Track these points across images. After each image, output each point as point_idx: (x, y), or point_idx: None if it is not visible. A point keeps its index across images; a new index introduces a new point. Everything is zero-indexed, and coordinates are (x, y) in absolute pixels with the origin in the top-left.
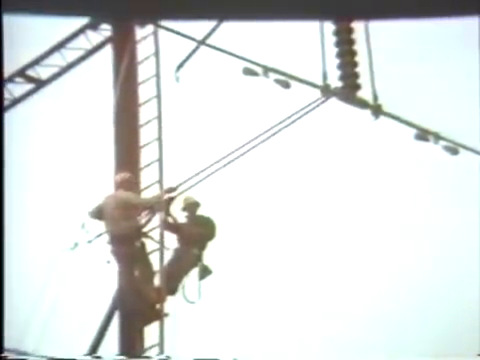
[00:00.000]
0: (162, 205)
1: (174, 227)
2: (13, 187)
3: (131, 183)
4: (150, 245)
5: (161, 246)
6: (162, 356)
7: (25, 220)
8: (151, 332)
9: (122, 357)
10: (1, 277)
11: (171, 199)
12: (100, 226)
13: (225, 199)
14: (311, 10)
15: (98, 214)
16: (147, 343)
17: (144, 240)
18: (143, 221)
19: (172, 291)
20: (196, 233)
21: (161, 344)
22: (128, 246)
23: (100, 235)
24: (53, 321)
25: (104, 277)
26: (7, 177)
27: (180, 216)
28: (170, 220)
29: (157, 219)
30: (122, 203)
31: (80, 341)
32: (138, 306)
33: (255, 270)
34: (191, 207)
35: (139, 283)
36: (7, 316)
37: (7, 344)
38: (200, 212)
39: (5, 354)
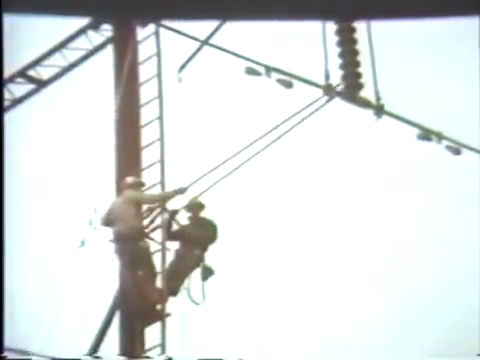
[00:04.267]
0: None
1: (177, 234)
2: (15, 187)
3: (140, 185)
4: (152, 246)
5: (163, 247)
6: (164, 356)
7: (28, 220)
8: (153, 333)
9: (122, 357)
10: (2, 277)
11: (175, 212)
12: (110, 232)
13: (228, 199)
14: (313, 10)
15: (108, 220)
16: (149, 344)
17: (148, 240)
18: (147, 221)
19: (174, 292)
20: (198, 235)
21: (163, 344)
22: (133, 245)
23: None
24: (56, 321)
25: (106, 277)
26: (8, 177)
27: (183, 216)
28: (174, 227)
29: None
30: (131, 200)
31: (82, 341)
32: (139, 306)
33: (259, 271)
34: (195, 208)
35: (141, 283)
36: (9, 316)
37: (9, 344)
38: (203, 214)
39: (5, 354)
